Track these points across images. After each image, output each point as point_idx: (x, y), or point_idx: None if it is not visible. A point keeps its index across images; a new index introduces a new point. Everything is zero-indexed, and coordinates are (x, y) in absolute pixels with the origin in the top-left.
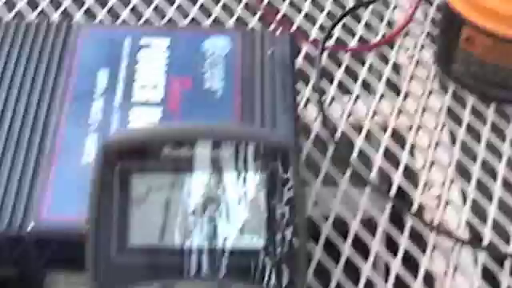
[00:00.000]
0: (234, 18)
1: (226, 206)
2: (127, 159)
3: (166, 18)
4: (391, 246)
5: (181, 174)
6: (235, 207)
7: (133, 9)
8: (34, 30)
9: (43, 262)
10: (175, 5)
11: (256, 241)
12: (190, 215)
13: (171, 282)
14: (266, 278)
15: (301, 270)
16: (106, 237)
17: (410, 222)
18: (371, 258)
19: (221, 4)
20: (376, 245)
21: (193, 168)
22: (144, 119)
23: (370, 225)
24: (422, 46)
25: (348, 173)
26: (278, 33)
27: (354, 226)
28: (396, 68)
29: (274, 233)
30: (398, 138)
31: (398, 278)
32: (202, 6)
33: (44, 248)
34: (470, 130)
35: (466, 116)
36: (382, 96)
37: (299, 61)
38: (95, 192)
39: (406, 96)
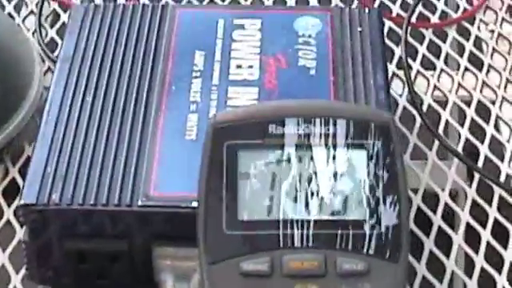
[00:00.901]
0: None
1: (329, 179)
2: (234, 137)
3: None
4: (480, 216)
5: (285, 150)
6: (338, 181)
7: None
8: (130, 13)
9: (151, 236)
10: None
11: (359, 213)
12: (295, 189)
13: (279, 254)
14: (370, 249)
15: (404, 242)
16: (216, 211)
17: (498, 194)
18: (462, 229)
19: None
20: (465, 216)
21: (298, 144)
22: (242, 98)
23: (458, 196)
24: (503, 20)
25: (435, 146)
26: (365, 10)
27: (444, 198)
28: (477, 42)
29: (377, 205)
30: (483, 111)
31: (488, 246)
32: None
33: (152, 223)
34: None
35: None
36: (465, 70)
37: None
38: (205, 168)
39: (488, 70)
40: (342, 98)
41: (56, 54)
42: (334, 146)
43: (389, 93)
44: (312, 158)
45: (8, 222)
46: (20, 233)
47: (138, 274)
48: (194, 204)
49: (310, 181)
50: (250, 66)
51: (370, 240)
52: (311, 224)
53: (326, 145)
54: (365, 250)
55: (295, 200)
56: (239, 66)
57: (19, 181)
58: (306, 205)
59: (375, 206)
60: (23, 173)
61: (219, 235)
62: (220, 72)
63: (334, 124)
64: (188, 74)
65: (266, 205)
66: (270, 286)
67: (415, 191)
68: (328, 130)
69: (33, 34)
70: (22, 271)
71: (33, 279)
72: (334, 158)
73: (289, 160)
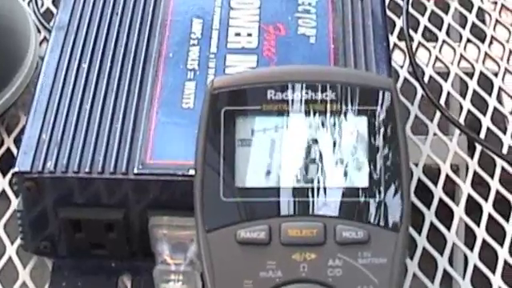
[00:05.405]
0: None
1: (329, 147)
2: (232, 102)
3: None
4: (483, 190)
5: (284, 117)
6: (338, 148)
7: None
8: None
9: (147, 205)
10: None
11: (360, 180)
12: (294, 156)
13: (277, 222)
14: (370, 218)
15: (405, 211)
16: (213, 178)
17: (500, 166)
18: (463, 201)
19: None
20: (467, 188)
21: (296, 110)
22: (240, 66)
23: (459, 170)
24: None
25: (436, 118)
26: None
27: (445, 170)
28: (480, 14)
29: (378, 173)
30: (485, 83)
31: (490, 218)
32: None
33: (148, 191)
34: None
35: None
36: (467, 41)
37: None
38: (202, 135)
39: (491, 42)
40: (342, 66)
41: (52, 23)
42: (334, 112)
43: (390, 62)
44: (311, 125)
45: (3, 192)
46: (15, 203)
47: (135, 244)
48: (191, 172)
49: (309, 148)
50: (249, 34)
51: (370, 208)
52: (310, 191)
53: (326, 111)
54: (365, 218)
55: (294, 167)
56: (238, 34)
57: (14, 151)
58: (305, 172)
59: (376, 174)
60: (18, 143)
61: (216, 202)
62: (218, 40)
63: (334, 90)
64: (185, 41)
65: (264, 172)
66: (267, 255)
67: (416, 164)
68: (328, 95)
69: (28, 3)
70: (17, 242)
71: (28, 249)
72: (333, 124)
73: (288, 126)
